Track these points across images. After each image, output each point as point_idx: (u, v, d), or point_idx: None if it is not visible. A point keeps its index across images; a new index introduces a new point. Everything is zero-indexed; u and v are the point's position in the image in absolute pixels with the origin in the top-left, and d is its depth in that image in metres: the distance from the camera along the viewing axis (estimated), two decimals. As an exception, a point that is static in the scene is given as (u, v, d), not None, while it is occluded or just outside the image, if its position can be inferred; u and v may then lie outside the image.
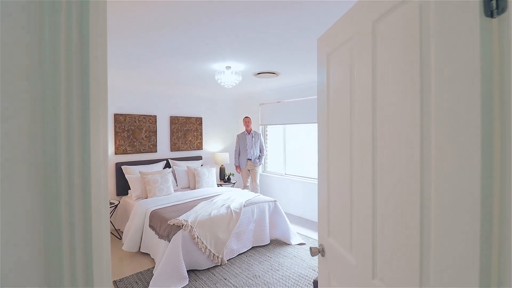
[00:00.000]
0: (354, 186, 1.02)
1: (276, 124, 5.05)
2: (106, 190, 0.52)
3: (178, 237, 2.55)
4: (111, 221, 3.76)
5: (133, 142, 4.22)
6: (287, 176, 4.90)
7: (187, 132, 4.87)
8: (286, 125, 4.95)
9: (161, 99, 4.58)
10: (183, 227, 2.62)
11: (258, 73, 3.51)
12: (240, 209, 3.15)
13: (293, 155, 4.93)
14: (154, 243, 2.88)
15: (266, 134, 5.38)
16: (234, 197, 3.57)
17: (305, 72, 3.51)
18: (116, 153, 4.07)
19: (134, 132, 4.24)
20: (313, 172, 4.56)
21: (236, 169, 4.81)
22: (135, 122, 4.25)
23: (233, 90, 4.92)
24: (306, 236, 3.71)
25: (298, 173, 4.80)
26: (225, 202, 3.35)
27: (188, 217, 2.80)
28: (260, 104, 5.28)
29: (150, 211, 3.11)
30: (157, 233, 2.83)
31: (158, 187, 3.70)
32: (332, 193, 1.23)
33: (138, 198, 3.77)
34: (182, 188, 4.33)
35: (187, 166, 4.43)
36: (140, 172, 3.83)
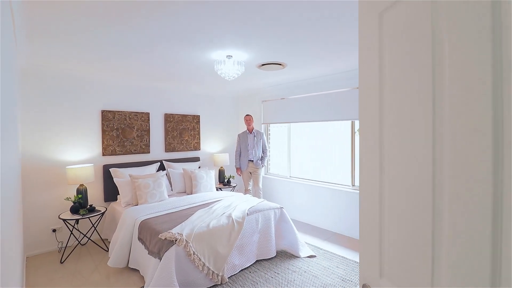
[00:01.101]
0: (443, 204, 0.64)
1: (280, 122, 4.66)
2: None
3: (170, 254, 2.15)
4: (97, 231, 3.35)
5: (123, 142, 3.82)
6: (292, 179, 4.52)
7: (183, 131, 4.48)
8: (292, 124, 4.57)
9: (155, 95, 4.18)
10: (176, 242, 2.22)
11: (262, 65, 3.13)
12: (243, 218, 2.76)
13: (299, 156, 4.55)
14: (143, 259, 2.48)
15: (269, 134, 5.00)
16: (235, 203, 3.17)
17: (315, 64, 3.13)
18: (103, 154, 3.66)
19: (124, 131, 3.83)
20: (322, 175, 4.18)
21: (236, 171, 4.43)
22: (126, 120, 3.84)
23: (233, 86, 4.54)
24: (316, 246, 3.32)
25: (304, 175, 4.42)
26: (226, 210, 2.95)
27: (183, 230, 2.41)
28: (262, 101, 4.90)
29: (140, 221, 2.71)
30: (146, 247, 2.44)
31: (150, 192, 3.29)
32: (389, 211, 0.84)
33: (128, 204, 3.37)
34: (177, 192, 3.93)
35: (183, 169, 4.03)
36: (130, 176, 3.43)
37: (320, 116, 4.01)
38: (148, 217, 2.77)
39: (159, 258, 2.18)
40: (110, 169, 3.62)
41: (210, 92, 4.88)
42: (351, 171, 3.72)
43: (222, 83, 4.22)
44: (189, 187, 3.91)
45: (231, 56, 2.72)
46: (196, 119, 4.65)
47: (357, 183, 3.70)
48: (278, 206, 3.21)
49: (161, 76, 3.66)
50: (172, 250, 2.18)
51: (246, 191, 4.53)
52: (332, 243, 3.45)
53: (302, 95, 4.22)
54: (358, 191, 3.62)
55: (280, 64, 3.11)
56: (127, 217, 2.91)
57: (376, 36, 0.88)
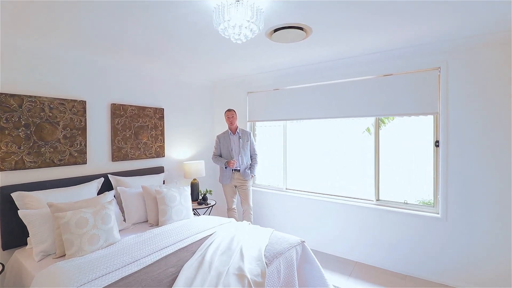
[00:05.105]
0: None
1: (272, 120, 3.64)
2: None
3: None
4: (-18, 309, 1.84)
5: (38, 147, 2.32)
6: (290, 192, 3.53)
7: (140, 130, 3.11)
8: (288, 122, 3.59)
9: (96, 73, 2.75)
10: None
11: (276, 30, 2.07)
12: (263, 274, 1.66)
13: (298, 163, 3.60)
14: None
15: (255, 135, 3.94)
16: (238, 241, 2.03)
17: (354, 32, 2.20)
18: (0, 169, 2.13)
19: (41, 129, 2.34)
20: (333, 187, 3.29)
21: (228, 164, 3.21)
22: (44, 111, 2.36)
23: (209, 70, 3.37)
24: (345, 291, 2.39)
25: (307, 188, 3.48)
26: (230, 258, 1.79)
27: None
28: (248, 92, 3.81)
29: (69, 304, 1.38)
30: None
31: (88, 233, 1.93)
32: None
33: (46, 255, 1.95)
34: (134, 224, 2.57)
35: (142, 186, 2.69)
36: (49, 206, 2.00)
37: (331, 111, 3.11)
38: (86, 293, 1.45)
39: None
40: (12, 194, 2.11)
41: (178, 76, 3.59)
42: (375, 181, 2.91)
43: (197, 62, 3.01)
44: (153, 215, 2.60)
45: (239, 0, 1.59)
46: (159, 113, 3.32)
47: (382, 197, 2.90)
48: (299, 240, 2.19)
49: (108, 42, 2.30)
50: None
51: (229, 211, 3.40)
52: (361, 281, 2.56)
53: (305, 84, 3.28)
54: (384, 207, 2.83)
55: (301, 29, 2.08)
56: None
57: None
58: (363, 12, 1.81)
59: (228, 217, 3.37)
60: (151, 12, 1.77)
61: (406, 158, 2.85)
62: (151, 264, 1.74)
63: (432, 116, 2.60)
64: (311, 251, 2.19)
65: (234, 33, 1.59)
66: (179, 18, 1.86)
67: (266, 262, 1.76)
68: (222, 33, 1.64)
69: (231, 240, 2.06)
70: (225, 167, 3.26)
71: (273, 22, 1.96)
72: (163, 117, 3.35)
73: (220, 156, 3.35)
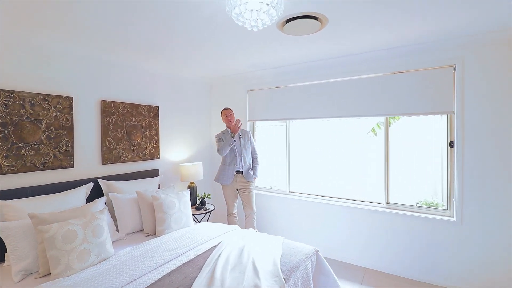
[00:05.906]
0: None
1: (274, 119, 3.45)
2: None
3: None
4: None
5: (17, 149, 2.04)
6: (293, 195, 3.36)
7: (133, 130, 2.85)
8: (291, 122, 3.41)
9: (84, 68, 2.48)
10: None
11: (288, 21, 1.89)
12: (283, 292, 1.47)
13: (301, 164, 3.43)
14: None
15: (255, 135, 3.74)
16: (249, 254, 1.83)
17: (371, 25, 2.04)
18: (-29, 175, 1.84)
19: (21, 128, 2.06)
20: (339, 189, 3.15)
21: (234, 127, 2.90)
22: (24, 107, 2.07)
23: (209, 67, 3.16)
24: (360, 302, 2.23)
25: (311, 191, 3.32)
26: (242, 274, 1.59)
27: None
28: (248, 90, 3.61)
29: None
30: None
31: (77, 249, 1.68)
32: None
33: (28, 274, 1.68)
34: (128, 234, 2.32)
35: (137, 192, 2.44)
36: (31, 217, 1.73)
37: (337, 111, 2.96)
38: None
39: None
40: (-14, 204, 1.83)
41: (176, 72, 3.34)
42: (385, 183, 2.78)
43: (198, 58, 2.78)
44: (149, 224, 2.35)
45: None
46: (153, 111, 3.06)
47: (392, 199, 2.78)
48: (313, 249, 2.01)
49: (102, 34, 2.04)
50: None
51: (229, 216, 3.19)
52: (374, 290, 2.42)
53: (310, 82, 3.11)
54: (395, 211, 2.70)
55: (315, 19, 1.89)
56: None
57: None
58: (377, 4, 1.65)
59: (228, 222, 3.17)
60: (153, 2, 1.54)
61: (414, 159, 2.74)
62: (153, 284, 1.51)
63: (445, 115, 2.49)
64: (325, 261, 2.03)
65: (250, 19, 1.39)
66: (185, 6, 1.64)
67: (284, 278, 1.57)
68: (236, 19, 1.44)
69: (241, 252, 1.86)
70: (234, 140, 2.96)
71: (286, 11, 1.77)
72: (158, 115, 3.10)
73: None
